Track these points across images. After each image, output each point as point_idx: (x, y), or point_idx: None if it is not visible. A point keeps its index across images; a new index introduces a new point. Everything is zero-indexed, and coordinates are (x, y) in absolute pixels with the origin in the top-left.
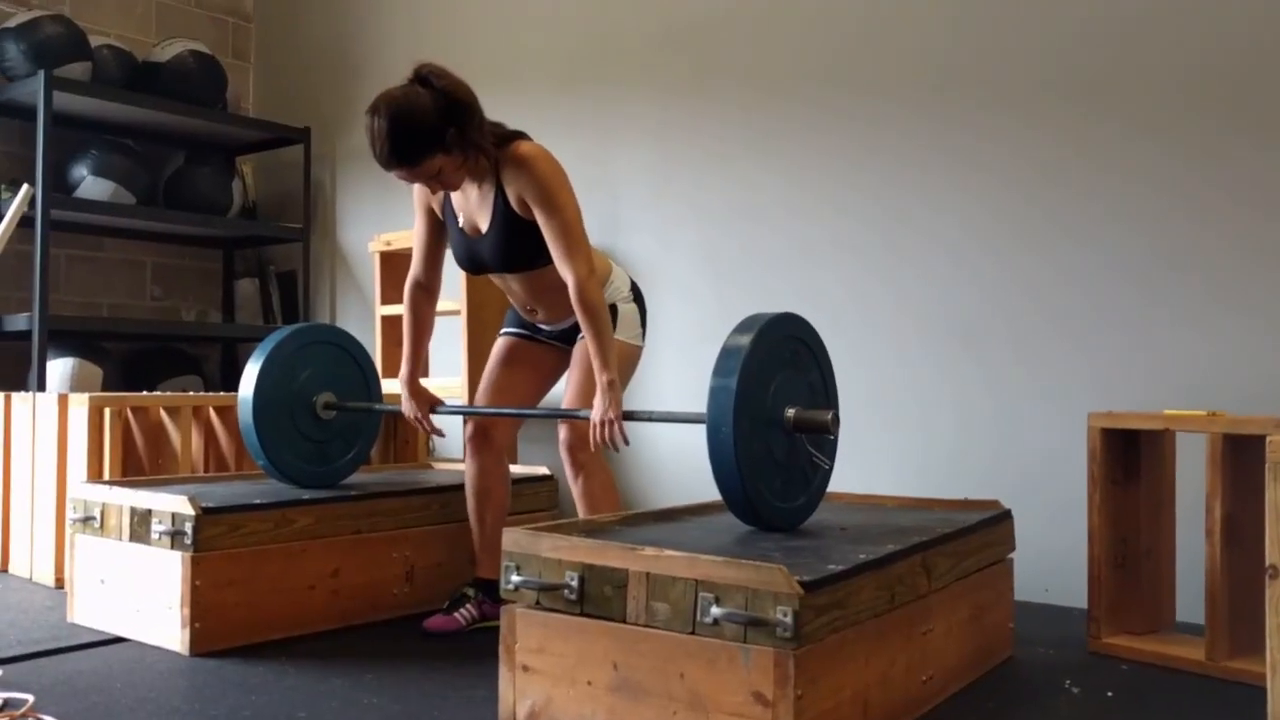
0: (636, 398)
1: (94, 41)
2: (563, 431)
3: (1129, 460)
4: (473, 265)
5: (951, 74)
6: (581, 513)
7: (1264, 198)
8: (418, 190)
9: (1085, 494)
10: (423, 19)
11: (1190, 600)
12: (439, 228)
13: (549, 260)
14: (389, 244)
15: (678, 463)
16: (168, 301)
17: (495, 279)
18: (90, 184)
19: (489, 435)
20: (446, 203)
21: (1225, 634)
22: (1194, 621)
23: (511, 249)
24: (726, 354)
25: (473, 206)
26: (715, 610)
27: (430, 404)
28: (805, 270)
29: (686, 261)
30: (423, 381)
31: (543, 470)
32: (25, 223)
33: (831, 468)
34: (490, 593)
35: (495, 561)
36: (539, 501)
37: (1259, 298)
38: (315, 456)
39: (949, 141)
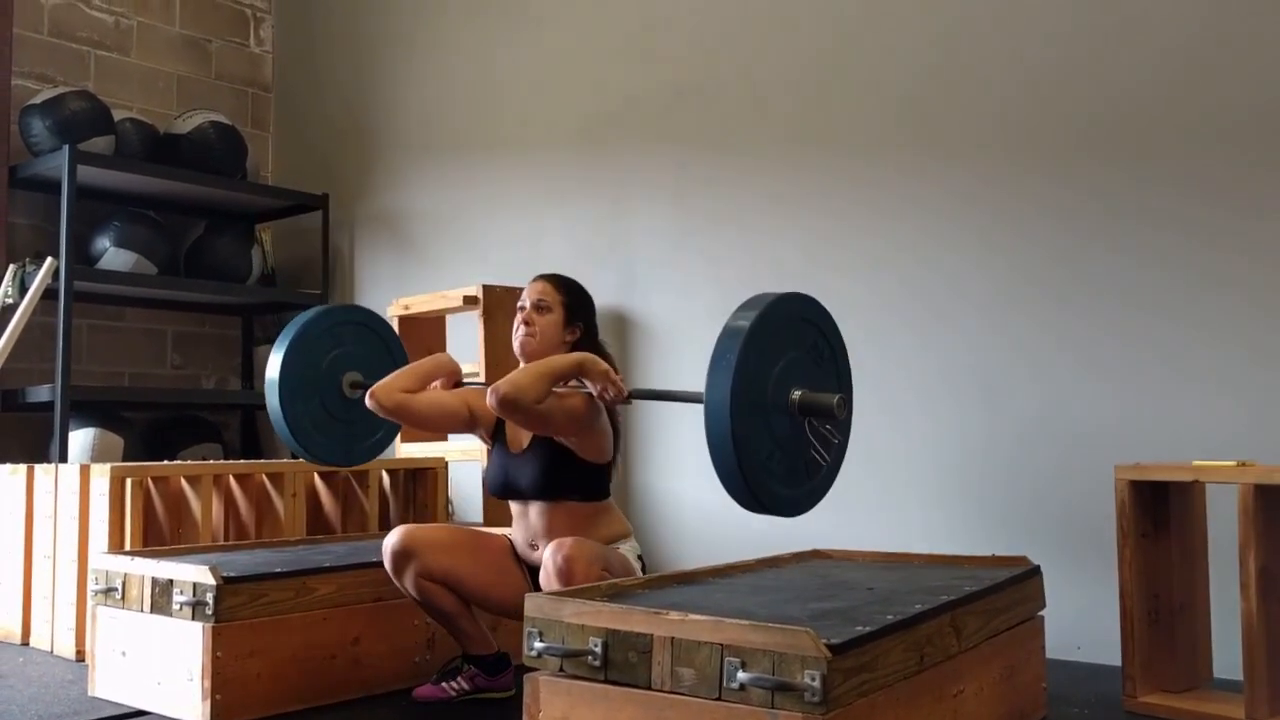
0: (653, 454)
1: (117, 115)
2: (558, 551)
3: (1159, 513)
4: (504, 485)
5: (971, 130)
6: None
7: None
8: (473, 395)
9: (1115, 548)
10: (439, 87)
11: (1227, 656)
12: (456, 419)
13: (577, 497)
14: (407, 308)
15: (700, 524)
16: (188, 370)
17: (516, 509)
18: (112, 255)
19: (407, 563)
20: (500, 423)
21: (1265, 690)
22: (1232, 678)
23: (546, 471)
24: (728, 331)
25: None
26: (742, 675)
27: (455, 378)
28: None
29: (705, 319)
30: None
31: None
32: (48, 294)
33: (839, 457)
34: (482, 666)
35: (475, 644)
36: None
37: None
38: (343, 436)
39: (971, 195)
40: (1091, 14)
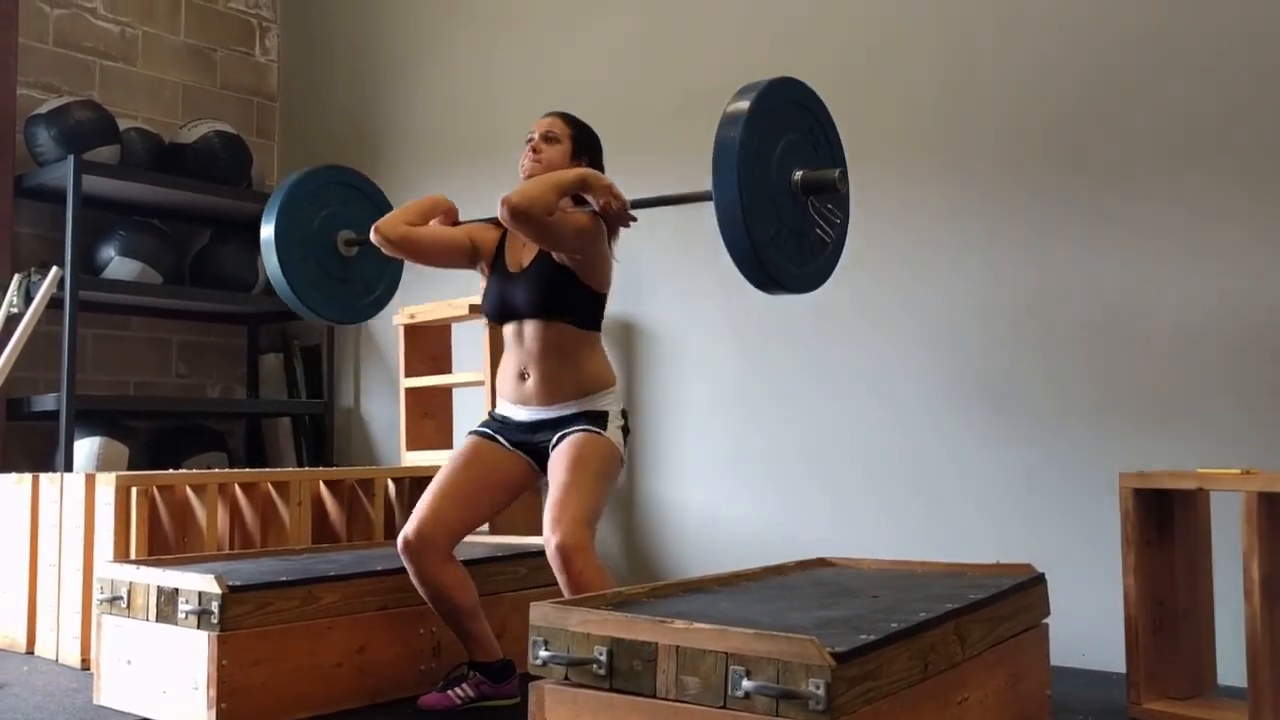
0: (658, 462)
1: (122, 125)
2: (556, 536)
3: (1163, 520)
4: (500, 306)
5: (976, 137)
6: None
7: None
8: (473, 225)
9: (1119, 555)
10: (444, 95)
11: (1231, 662)
12: (459, 251)
13: (572, 319)
14: (413, 317)
15: (705, 532)
16: (192, 379)
17: (510, 332)
18: (118, 264)
19: (419, 558)
20: (499, 256)
21: (1269, 697)
22: (1236, 684)
23: (546, 286)
24: (727, 119)
25: (523, 245)
26: (746, 683)
27: (449, 208)
28: (829, 334)
29: (708, 329)
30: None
31: None
32: (54, 304)
33: (842, 236)
34: (488, 673)
35: (482, 649)
36: None
37: None
38: (342, 294)
39: (974, 202)
40: (1123, 22)
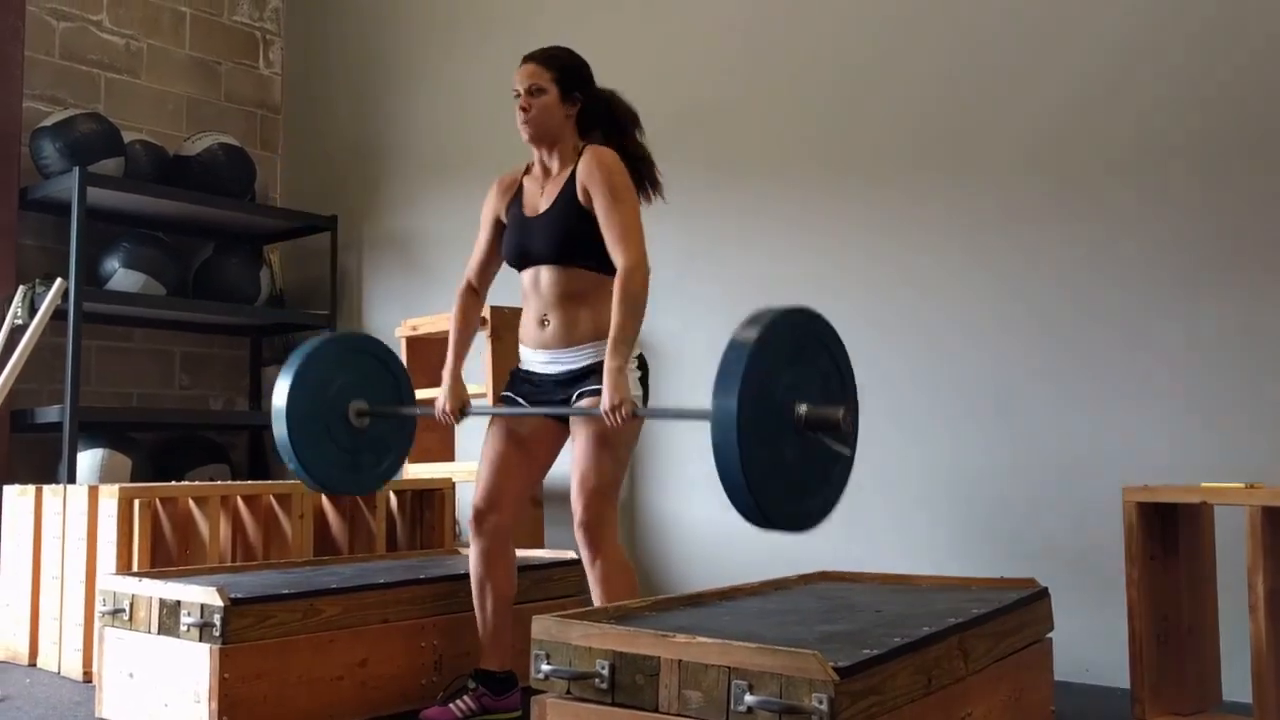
0: (661, 475)
1: (127, 137)
2: (578, 512)
3: (1167, 535)
4: (519, 250)
5: (972, 152)
6: (598, 599)
7: None
8: (491, 197)
9: (1123, 570)
10: (447, 108)
11: (1236, 678)
12: (499, 239)
13: (591, 265)
14: (415, 329)
15: (707, 546)
16: (195, 391)
17: (528, 279)
18: (122, 276)
19: (489, 517)
20: (515, 200)
21: (1274, 713)
22: (1242, 700)
23: (563, 232)
24: (733, 348)
25: (541, 191)
26: (749, 698)
27: (463, 404)
28: None
29: (712, 342)
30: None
31: (570, 555)
32: (58, 315)
33: (845, 471)
34: (490, 684)
35: (497, 653)
36: (567, 587)
37: None
38: (350, 465)
39: (973, 217)
40: (1114, 37)
